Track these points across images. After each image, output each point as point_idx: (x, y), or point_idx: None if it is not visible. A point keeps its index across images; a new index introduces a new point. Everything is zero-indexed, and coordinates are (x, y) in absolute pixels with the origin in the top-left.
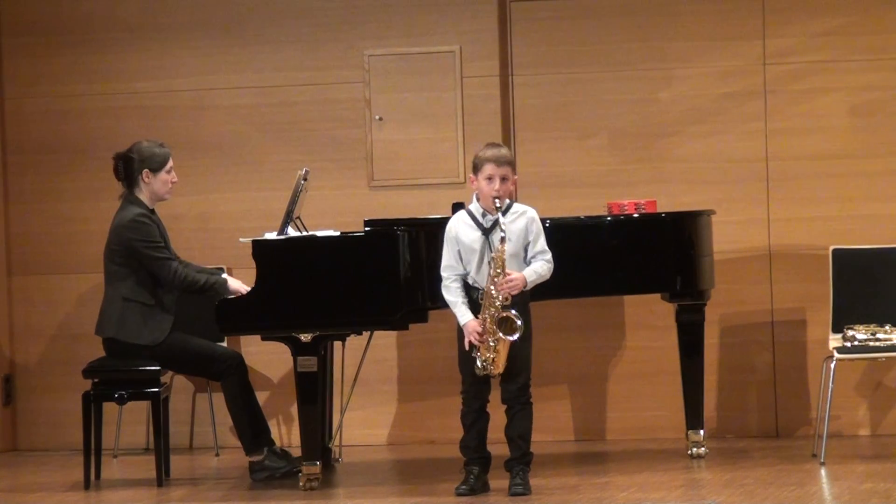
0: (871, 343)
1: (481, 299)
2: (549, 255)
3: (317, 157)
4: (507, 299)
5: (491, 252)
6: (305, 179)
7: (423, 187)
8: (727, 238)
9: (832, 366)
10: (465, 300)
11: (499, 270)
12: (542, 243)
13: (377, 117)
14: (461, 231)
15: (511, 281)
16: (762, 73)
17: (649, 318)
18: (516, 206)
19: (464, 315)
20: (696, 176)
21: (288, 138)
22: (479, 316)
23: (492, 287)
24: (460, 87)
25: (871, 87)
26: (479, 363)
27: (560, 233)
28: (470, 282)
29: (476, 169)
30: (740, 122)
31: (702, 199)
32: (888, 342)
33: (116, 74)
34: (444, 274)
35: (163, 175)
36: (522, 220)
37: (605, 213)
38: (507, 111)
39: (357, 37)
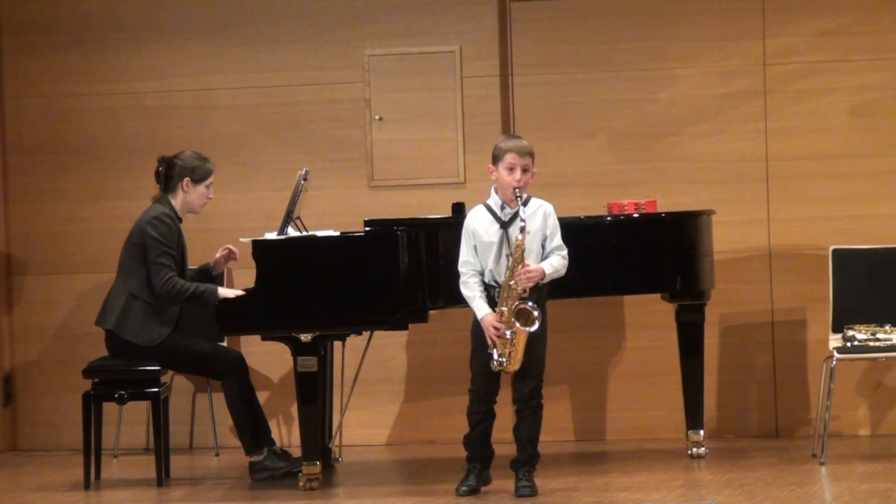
0: (871, 343)
1: (498, 295)
2: (565, 251)
3: (317, 157)
4: (525, 291)
5: (509, 244)
6: (305, 179)
7: (423, 187)
8: (727, 238)
9: (832, 366)
10: (483, 295)
11: (518, 261)
12: (558, 238)
13: (377, 117)
14: (479, 225)
15: (530, 272)
16: (762, 73)
17: (649, 318)
18: (534, 201)
19: (481, 309)
20: (696, 176)
21: (288, 138)
22: (496, 309)
23: (511, 278)
24: (460, 87)
25: (871, 87)
26: (495, 358)
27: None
28: (487, 279)
29: (496, 159)
30: (740, 122)
31: (702, 199)
32: (888, 342)
33: (116, 74)
34: (461, 269)
35: (201, 188)
36: (540, 215)
37: (605, 213)
38: (507, 111)
39: (357, 37)
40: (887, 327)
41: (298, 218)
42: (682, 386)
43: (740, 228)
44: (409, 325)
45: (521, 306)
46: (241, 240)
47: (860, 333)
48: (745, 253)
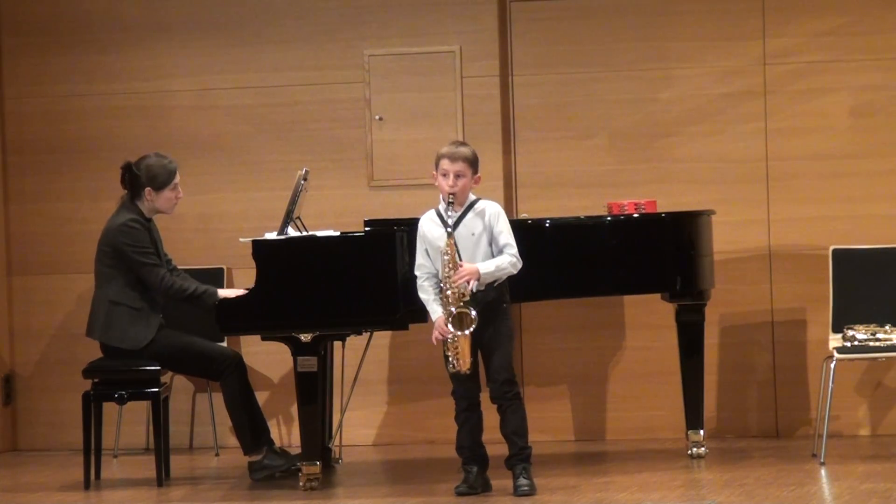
0: (871, 343)
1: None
2: (514, 250)
3: (317, 157)
4: (464, 294)
5: (456, 248)
6: (305, 179)
7: (423, 187)
8: (727, 238)
9: (832, 366)
10: (438, 297)
11: (450, 265)
12: (505, 237)
13: (377, 117)
14: (427, 229)
15: (462, 272)
16: (762, 73)
17: (649, 318)
18: (480, 203)
19: (435, 312)
20: (696, 176)
21: (288, 138)
22: (443, 313)
23: (447, 283)
24: (460, 87)
25: (871, 87)
26: (449, 361)
27: (560, 233)
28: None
29: (435, 164)
30: (740, 122)
31: (702, 199)
32: (888, 342)
33: (116, 74)
34: (416, 273)
35: (167, 193)
36: (484, 217)
37: (605, 213)
38: (507, 111)
39: (357, 37)
40: (887, 327)
41: (298, 218)
42: (682, 386)
43: (740, 228)
44: (409, 325)
45: (458, 311)
46: (241, 240)
47: (860, 333)
48: (745, 253)
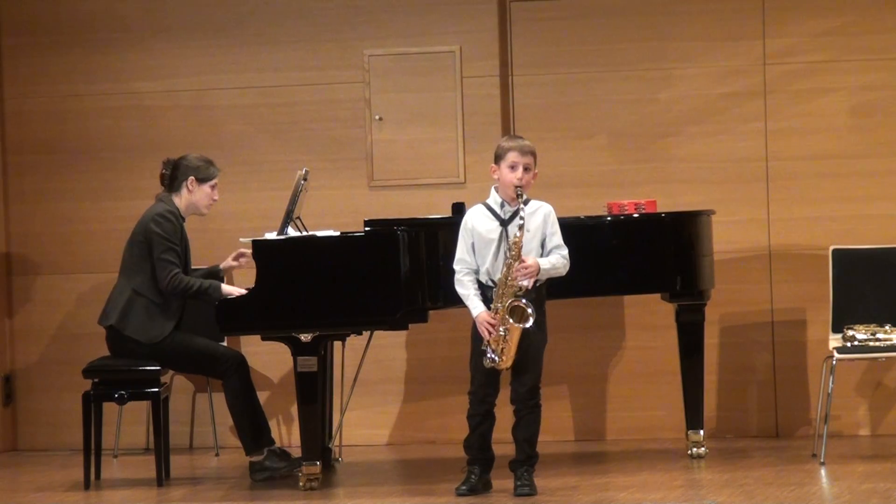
0: (871, 343)
1: (493, 295)
2: (565, 251)
3: (317, 157)
4: (521, 289)
5: (508, 241)
6: (305, 179)
7: (423, 187)
8: (727, 238)
9: (832, 366)
10: (478, 292)
11: (515, 255)
12: (558, 238)
13: (377, 117)
14: (478, 222)
15: (526, 267)
16: (762, 73)
17: (649, 318)
18: (534, 202)
19: (476, 307)
20: (696, 176)
21: (288, 138)
22: (492, 306)
23: (507, 275)
24: (460, 87)
25: (871, 87)
26: (488, 355)
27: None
28: (483, 278)
29: (498, 158)
30: (740, 122)
31: (702, 199)
32: (888, 342)
33: (116, 74)
34: (456, 267)
35: (206, 188)
36: (540, 215)
37: (605, 213)
38: (507, 111)
39: (357, 37)
40: (887, 327)
41: (298, 218)
42: (682, 386)
43: (740, 228)
44: (409, 325)
45: (516, 303)
46: (241, 240)
47: (860, 333)
48: (745, 253)
